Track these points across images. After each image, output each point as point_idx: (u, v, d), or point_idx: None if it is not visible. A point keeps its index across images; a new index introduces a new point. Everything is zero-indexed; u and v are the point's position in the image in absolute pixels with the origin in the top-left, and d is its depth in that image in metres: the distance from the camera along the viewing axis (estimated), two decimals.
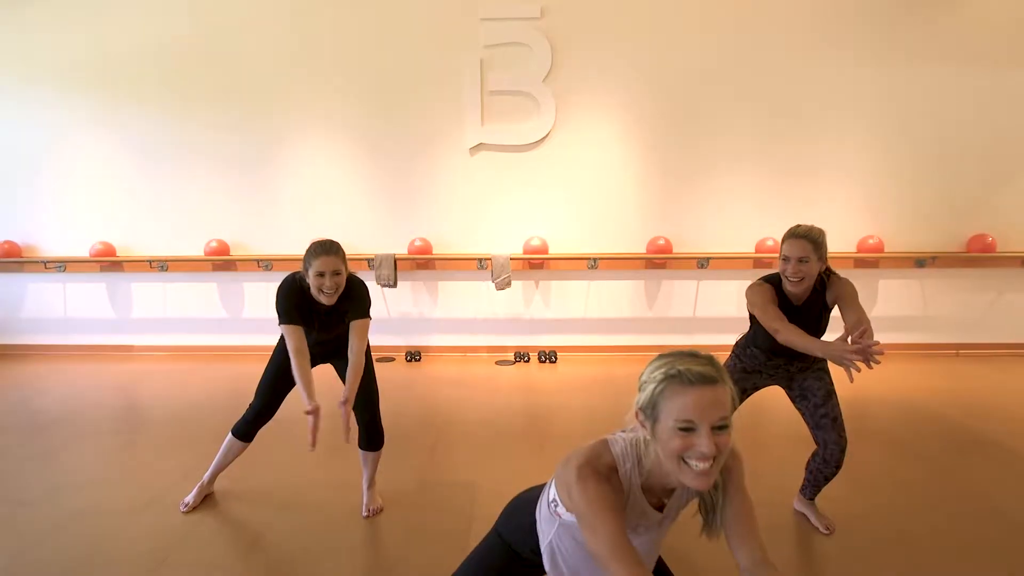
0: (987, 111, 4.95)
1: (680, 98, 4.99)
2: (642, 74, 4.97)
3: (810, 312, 2.25)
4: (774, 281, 2.27)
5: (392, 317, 5.28)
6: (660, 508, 1.24)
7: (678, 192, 5.09)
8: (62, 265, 5.24)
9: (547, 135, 5.03)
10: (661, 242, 5.02)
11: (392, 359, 5.19)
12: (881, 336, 5.26)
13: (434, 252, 5.13)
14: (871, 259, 5.06)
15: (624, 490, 1.16)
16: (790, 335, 2.03)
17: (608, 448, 1.17)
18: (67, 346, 5.42)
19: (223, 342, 5.34)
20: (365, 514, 2.59)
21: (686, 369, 1.08)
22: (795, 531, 2.44)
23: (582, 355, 5.26)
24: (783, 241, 2.22)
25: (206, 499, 2.74)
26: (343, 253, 2.36)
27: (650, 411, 1.12)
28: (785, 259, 2.19)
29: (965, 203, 5.06)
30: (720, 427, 1.08)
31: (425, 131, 5.07)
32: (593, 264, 5.09)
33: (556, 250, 5.13)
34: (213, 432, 3.45)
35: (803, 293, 2.22)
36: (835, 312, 2.28)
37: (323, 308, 2.41)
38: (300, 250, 5.10)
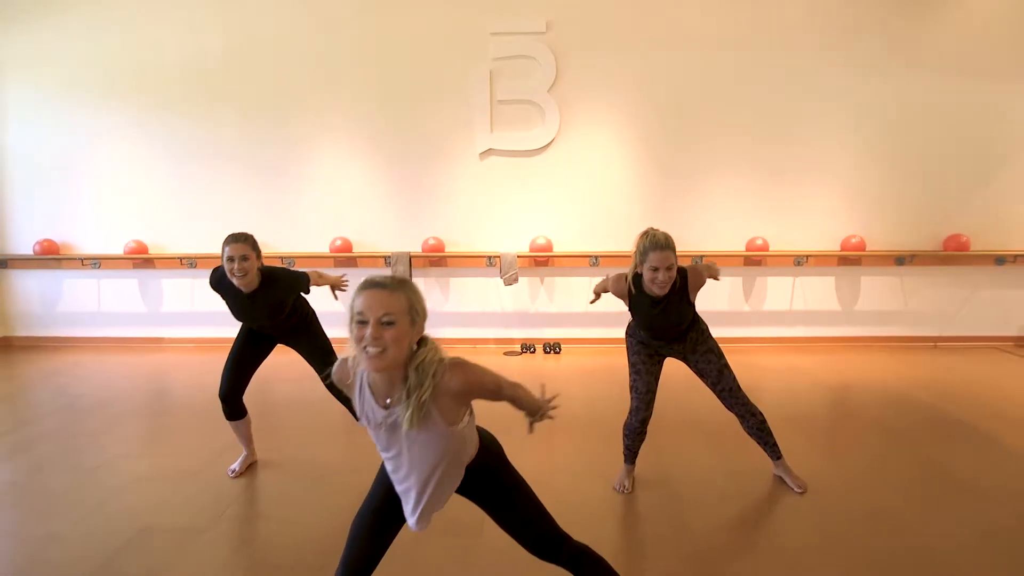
0: (963, 120, 5.26)
1: (676, 106, 5.31)
2: (640, 84, 5.29)
3: (670, 301, 2.49)
4: (635, 280, 2.50)
5: None
6: (385, 408, 1.46)
7: (674, 194, 5.41)
8: (97, 262, 5.57)
9: (552, 141, 5.35)
10: None
11: None
12: (864, 329, 5.64)
13: (446, 250, 5.45)
14: (854, 257, 5.37)
15: (356, 381, 1.49)
16: None
17: None
18: (101, 338, 5.75)
19: None
20: None
21: (369, 279, 1.39)
22: (773, 493, 2.78)
23: (584, 347, 5.57)
24: (646, 251, 2.34)
25: (251, 466, 3.08)
26: (253, 242, 2.71)
27: (350, 313, 1.39)
28: (655, 269, 2.34)
29: (942, 205, 5.36)
30: (386, 323, 1.34)
31: (438, 137, 5.39)
32: (595, 261, 5.41)
33: (560, 248, 5.45)
34: None
35: (667, 290, 2.44)
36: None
37: (244, 293, 2.74)
38: (321, 248, 5.46)
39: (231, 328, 5.89)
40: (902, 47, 5.20)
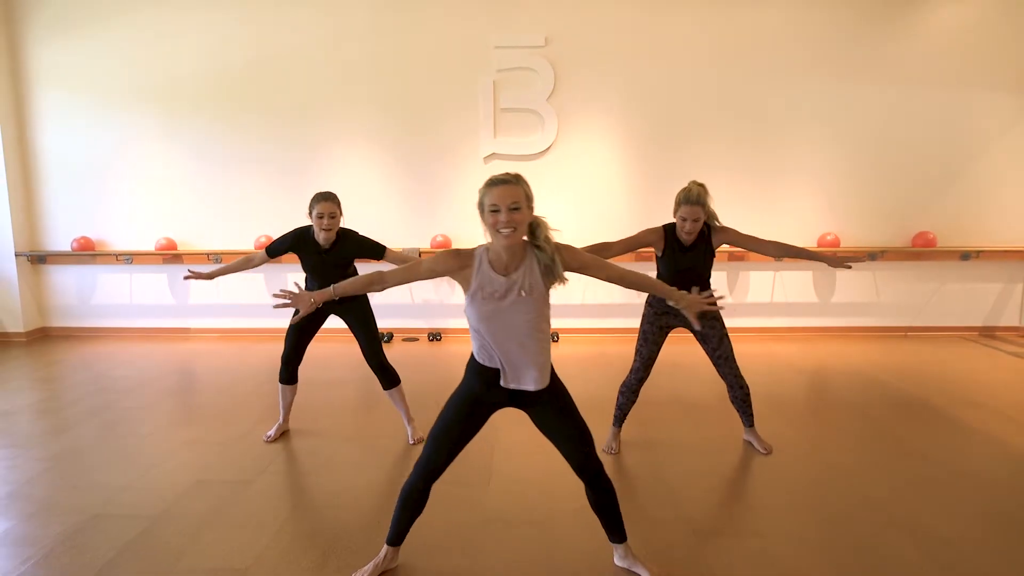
0: (930, 126, 5.65)
1: (665, 113, 5.70)
2: (632, 93, 5.68)
3: (696, 250, 2.97)
4: (669, 228, 3.01)
5: (416, 303, 6.04)
6: (506, 276, 1.84)
7: (664, 194, 5.70)
8: (130, 258, 5.98)
9: (550, 146, 5.75)
10: None
11: (416, 339, 5.93)
12: (839, 320, 6.05)
13: (453, 246, 5.87)
14: (829, 252, 5.75)
15: (473, 262, 1.85)
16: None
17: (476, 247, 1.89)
18: (132, 329, 6.17)
19: (269, 325, 6.07)
20: (411, 442, 3.37)
21: (493, 177, 1.80)
22: (742, 454, 3.19)
23: (580, 336, 5.97)
24: (680, 204, 2.87)
25: (283, 434, 3.51)
26: (338, 201, 3.13)
27: (480, 207, 1.82)
28: (683, 219, 2.86)
29: (911, 204, 5.75)
30: (513, 208, 1.74)
31: (446, 142, 5.80)
32: None
33: None
34: (268, 395, 4.22)
35: (692, 238, 2.96)
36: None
37: (322, 248, 3.14)
38: None
39: (253, 319, 6.34)
40: (876, 59, 5.58)
